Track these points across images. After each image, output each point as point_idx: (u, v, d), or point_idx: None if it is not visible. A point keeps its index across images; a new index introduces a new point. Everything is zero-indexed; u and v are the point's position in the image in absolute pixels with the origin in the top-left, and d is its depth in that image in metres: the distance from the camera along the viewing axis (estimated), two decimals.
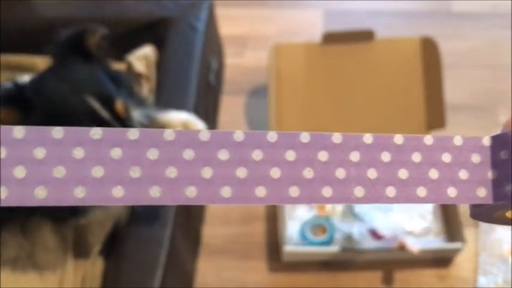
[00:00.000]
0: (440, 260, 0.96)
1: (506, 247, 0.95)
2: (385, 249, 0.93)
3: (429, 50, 1.05)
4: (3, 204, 0.21)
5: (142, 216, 0.76)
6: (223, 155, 0.23)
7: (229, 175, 0.23)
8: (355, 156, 0.24)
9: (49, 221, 0.80)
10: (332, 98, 1.05)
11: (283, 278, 0.95)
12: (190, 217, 0.90)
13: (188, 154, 0.23)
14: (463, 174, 0.25)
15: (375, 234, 0.95)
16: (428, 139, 0.25)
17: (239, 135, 0.24)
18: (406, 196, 0.24)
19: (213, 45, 1.10)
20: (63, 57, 0.73)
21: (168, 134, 0.23)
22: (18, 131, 0.22)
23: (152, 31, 1.00)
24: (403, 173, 0.25)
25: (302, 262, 0.96)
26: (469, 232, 0.96)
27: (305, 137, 0.24)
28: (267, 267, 0.96)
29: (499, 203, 0.25)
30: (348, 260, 0.95)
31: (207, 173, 0.23)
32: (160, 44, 0.97)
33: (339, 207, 1.00)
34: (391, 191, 0.24)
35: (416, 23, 1.35)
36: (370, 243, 0.95)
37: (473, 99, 1.18)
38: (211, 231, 1.00)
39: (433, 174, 0.25)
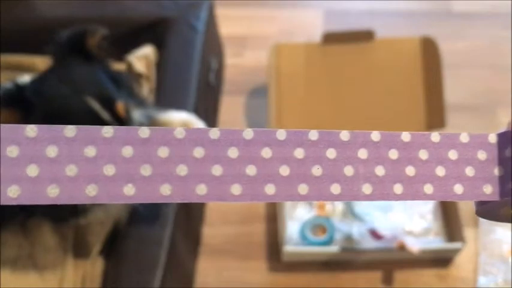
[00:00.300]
0: (440, 260, 0.96)
1: (506, 247, 0.95)
2: (385, 249, 0.93)
3: (429, 50, 1.05)
4: (17, 203, 0.22)
5: (142, 216, 0.76)
6: (233, 152, 0.24)
7: (239, 173, 0.23)
8: (363, 154, 0.25)
9: (49, 221, 0.80)
10: (332, 98, 1.05)
11: (283, 278, 0.95)
12: (190, 217, 0.90)
13: (198, 152, 0.23)
14: (469, 171, 0.25)
15: (374, 234, 0.95)
16: (435, 136, 0.25)
17: (248, 133, 0.24)
18: (413, 193, 0.25)
19: (213, 45, 1.10)
20: (64, 58, 0.73)
21: (179, 132, 0.23)
22: (31, 130, 0.22)
23: (152, 31, 1.00)
24: (410, 170, 0.25)
25: (302, 262, 0.96)
26: (469, 232, 0.96)
27: (313, 134, 0.24)
28: (267, 267, 0.96)
29: (504, 199, 0.25)
30: (348, 260, 0.96)
31: (217, 170, 0.23)
32: (160, 44, 0.97)
33: (339, 207, 1.00)
34: (398, 188, 0.25)
35: (416, 23, 1.35)
36: (370, 243, 0.95)
37: (473, 99, 1.18)
38: (211, 231, 1.00)
39: (440, 171, 0.25)
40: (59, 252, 0.79)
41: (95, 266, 0.78)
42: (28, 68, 0.98)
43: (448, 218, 0.99)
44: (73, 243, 0.80)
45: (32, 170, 0.22)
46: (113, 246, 0.78)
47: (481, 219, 0.98)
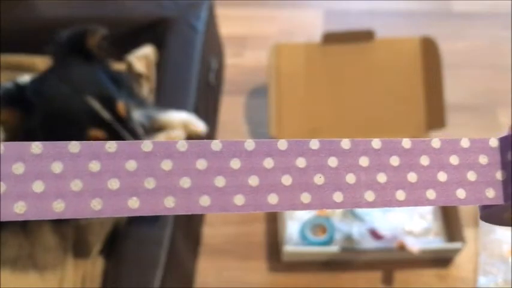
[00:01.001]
0: (440, 260, 0.96)
1: (506, 247, 0.95)
2: (385, 249, 0.93)
3: (429, 50, 1.05)
4: (23, 219, 0.22)
5: (142, 216, 0.76)
6: (235, 164, 0.24)
7: (241, 183, 0.24)
8: (364, 161, 0.25)
9: (49, 221, 0.80)
10: (332, 98, 1.05)
11: (283, 278, 0.95)
12: (190, 217, 0.91)
13: (201, 164, 0.24)
14: (471, 176, 0.25)
15: (374, 234, 0.95)
16: (436, 142, 0.25)
17: (250, 144, 0.24)
18: (416, 199, 0.25)
19: (213, 45, 1.10)
20: (64, 58, 0.73)
21: (181, 145, 0.24)
22: (36, 147, 0.23)
23: (152, 31, 1.00)
24: (412, 177, 0.25)
25: (302, 262, 0.96)
26: (469, 232, 0.96)
27: (314, 143, 0.25)
28: (267, 267, 0.96)
29: (508, 203, 0.25)
30: (348, 260, 0.96)
31: (220, 182, 0.24)
32: (160, 44, 0.97)
33: None
34: (401, 195, 0.25)
35: (416, 23, 1.35)
36: (370, 243, 0.95)
37: (473, 99, 1.18)
38: (211, 231, 1.00)
39: (442, 176, 0.25)
40: (59, 252, 0.79)
41: (95, 266, 0.78)
42: (28, 68, 0.98)
43: (448, 218, 0.99)
44: (73, 243, 0.80)
45: (38, 186, 0.22)
46: (113, 246, 0.78)
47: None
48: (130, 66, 0.94)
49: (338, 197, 0.24)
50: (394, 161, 0.25)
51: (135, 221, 0.76)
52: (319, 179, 0.24)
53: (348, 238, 0.96)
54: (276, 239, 0.98)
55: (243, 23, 1.36)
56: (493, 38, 1.30)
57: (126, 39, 0.98)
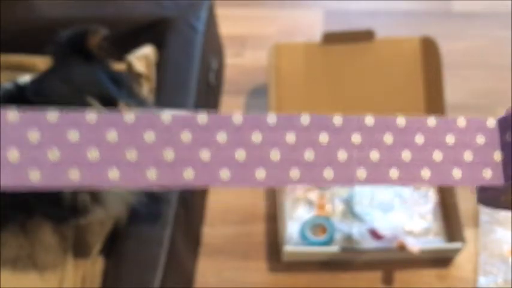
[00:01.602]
0: (440, 260, 0.96)
1: (506, 247, 0.95)
2: (385, 249, 0.93)
3: (429, 50, 1.05)
4: None
5: (142, 216, 0.76)
6: (221, 137, 0.23)
7: (228, 157, 0.23)
8: (356, 138, 0.24)
9: (49, 221, 0.80)
10: (332, 98, 1.05)
11: (283, 278, 0.95)
12: (190, 217, 0.90)
13: (186, 137, 0.23)
14: (467, 156, 0.25)
15: (374, 234, 0.95)
16: (431, 121, 0.25)
17: (238, 118, 0.24)
18: (409, 178, 0.24)
19: (213, 45, 1.10)
20: (64, 58, 0.73)
21: (165, 118, 0.23)
22: (13, 114, 0.22)
23: (152, 31, 1.00)
24: (406, 155, 0.24)
25: (302, 262, 0.96)
26: (469, 232, 0.96)
27: (305, 119, 0.24)
28: (267, 267, 0.96)
29: (506, 186, 0.24)
30: (348, 260, 0.95)
31: (205, 155, 0.23)
32: (160, 44, 0.97)
33: (339, 207, 1.00)
34: (394, 173, 0.24)
35: (416, 23, 1.35)
36: (370, 243, 0.95)
37: (473, 99, 1.18)
38: (211, 231, 1.00)
39: (437, 155, 0.24)
40: (59, 252, 0.79)
41: (95, 266, 0.78)
42: (28, 68, 0.98)
43: (448, 218, 0.99)
44: (73, 243, 0.80)
45: (13, 155, 0.21)
46: (113, 246, 0.78)
47: (481, 219, 0.98)
48: (130, 66, 0.94)
49: (329, 173, 0.23)
50: (388, 138, 0.24)
51: (135, 221, 0.76)
52: (309, 155, 0.24)
53: (348, 238, 0.96)
54: (276, 239, 0.98)
55: (243, 23, 1.35)
56: (493, 38, 1.30)
57: (126, 39, 0.98)
